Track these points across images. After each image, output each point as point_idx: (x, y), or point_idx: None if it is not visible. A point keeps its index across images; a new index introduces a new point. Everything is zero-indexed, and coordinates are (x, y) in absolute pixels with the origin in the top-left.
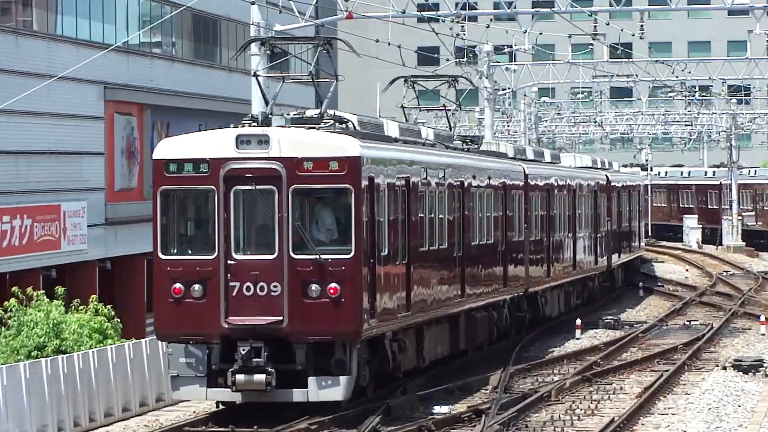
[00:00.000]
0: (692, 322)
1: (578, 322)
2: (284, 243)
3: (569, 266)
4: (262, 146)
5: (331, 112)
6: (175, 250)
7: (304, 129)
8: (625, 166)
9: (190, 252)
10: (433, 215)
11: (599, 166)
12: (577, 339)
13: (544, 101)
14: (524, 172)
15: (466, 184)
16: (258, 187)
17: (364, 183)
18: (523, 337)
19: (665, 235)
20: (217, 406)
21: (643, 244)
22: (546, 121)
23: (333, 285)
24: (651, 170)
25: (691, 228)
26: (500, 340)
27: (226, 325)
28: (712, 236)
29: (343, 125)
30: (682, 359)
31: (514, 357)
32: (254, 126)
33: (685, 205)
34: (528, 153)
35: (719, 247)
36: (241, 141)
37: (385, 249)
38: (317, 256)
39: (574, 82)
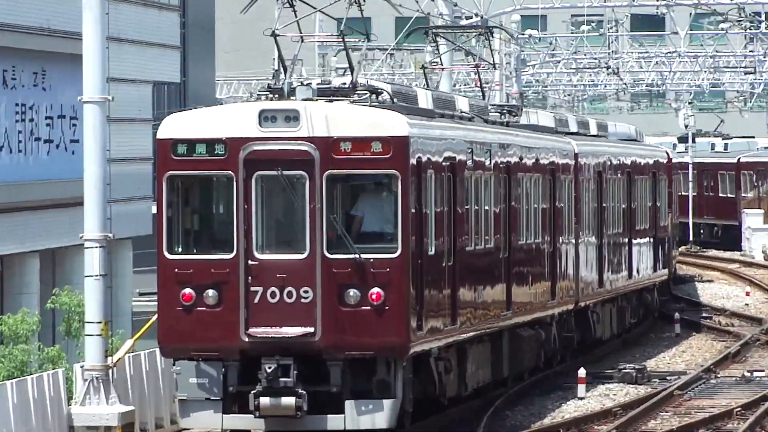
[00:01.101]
0: (756, 373)
1: (581, 372)
2: (317, 240)
3: (624, 274)
4: (291, 124)
5: (361, 80)
6: (185, 249)
7: (340, 103)
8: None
9: (202, 251)
10: (478, 206)
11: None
12: (580, 399)
13: (530, 36)
14: (574, 150)
15: (512, 167)
16: (285, 172)
17: (412, 168)
18: (503, 392)
19: (712, 240)
20: None
21: (675, 253)
22: (533, 66)
23: (376, 290)
24: (693, 141)
25: (756, 230)
26: (547, 367)
27: (247, 339)
28: None
29: (378, 96)
30: (740, 430)
31: (484, 427)
32: (278, 99)
33: (746, 195)
34: (571, 124)
35: None
36: (264, 117)
37: (431, 248)
38: (357, 256)
39: (576, 7)
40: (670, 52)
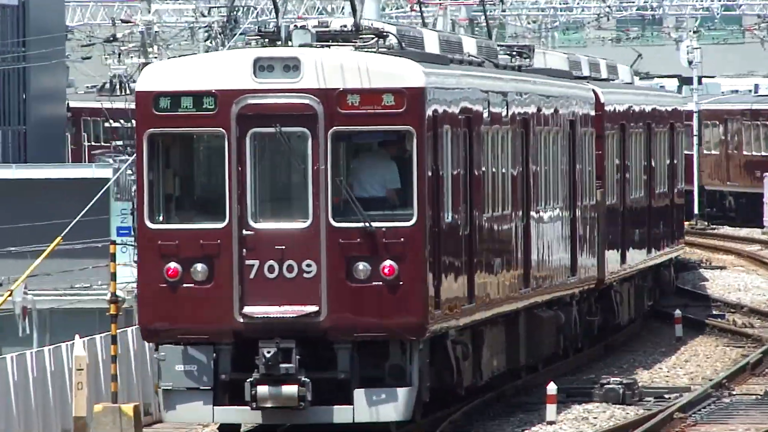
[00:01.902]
0: None
1: (551, 389)
2: (320, 206)
3: (644, 246)
4: (290, 74)
5: (365, 22)
6: (169, 218)
7: (345, 50)
8: (640, 76)
9: (190, 220)
10: (495, 168)
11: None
12: (549, 424)
13: None
14: (598, 98)
15: (530, 120)
16: (284, 129)
17: (428, 124)
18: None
19: (724, 213)
20: None
21: (670, 244)
22: None
23: (388, 263)
24: (699, 84)
25: None
26: (566, 355)
27: (242, 319)
28: None
29: (384, 41)
30: None
31: None
32: (272, 45)
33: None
34: (584, 66)
35: None
36: (260, 67)
37: (448, 215)
38: (366, 224)
39: None
40: None
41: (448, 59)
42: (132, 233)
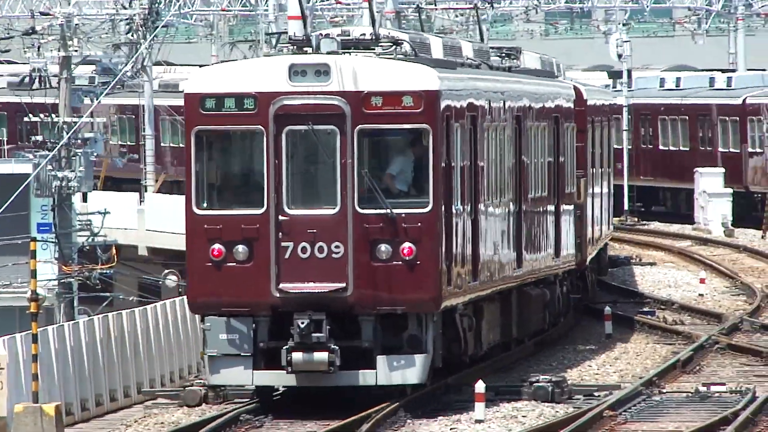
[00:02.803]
0: (713, 388)
1: (479, 387)
2: (348, 195)
3: (600, 229)
4: (321, 78)
5: (383, 31)
6: (214, 205)
7: (369, 57)
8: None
9: (232, 206)
10: (495, 159)
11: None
12: (478, 422)
13: None
14: (581, 96)
15: (522, 117)
16: (316, 127)
17: (442, 122)
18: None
19: (655, 208)
20: (254, 396)
21: (609, 227)
22: None
23: (407, 245)
24: (629, 77)
25: (712, 195)
26: (552, 328)
27: (278, 294)
28: (752, 212)
29: (400, 47)
30: None
31: None
32: (301, 52)
33: (702, 148)
34: (554, 65)
35: None
36: (295, 71)
37: (458, 202)
38: (388, 211)
39: None
40: None
41: (455, 63)
42: (53, 229)
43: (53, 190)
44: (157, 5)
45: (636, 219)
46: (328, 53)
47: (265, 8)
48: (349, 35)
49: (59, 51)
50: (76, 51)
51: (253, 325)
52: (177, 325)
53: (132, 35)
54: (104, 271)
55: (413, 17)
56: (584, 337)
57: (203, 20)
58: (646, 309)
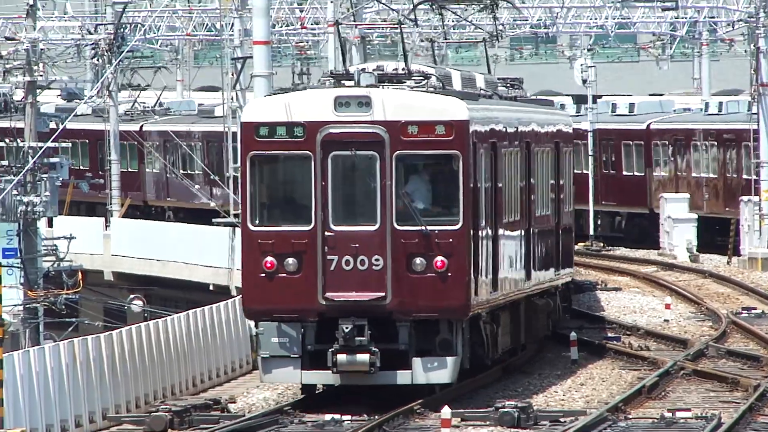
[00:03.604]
0: (679, 414)
1: (445, 413)
2: (387, 213)
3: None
4: (363, 109)
5: (415, 67)
6: (267, 221)
7: (405, 90)
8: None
9: (283, 223)
10: (510, 181)
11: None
12: None
13: None
14: (572, 124)
15: (531, 143)
16: (359, 152)
17: (470, 148)
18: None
19: (621, 235)
20: (302, 391)
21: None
22: None
23: (440, 258)
24: (594, 103)
25: (678, 221)
26: (553, 336)
27: (324, 302)
28: (719, 238)
29: (429, 80)
30: None
31: None
32: (342, 85)
33: (663, 174)
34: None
35: (733, 259)
36: (339, 103)
37: (482, 220)
38: (423, 228)
39: None
40: None
41: (477, 95)
42: (18, 254)
43: (18, 215)
44: (122, 31)
45: (602, 244)
46: (367, 86)
47: (231, 33)
48: (383, 70)
49: (24, 76)
50: (41, 76)
51: (302, 329)
52: (143, 350)
53: (97, 60)
54: (70, 297)
55: (379, 41)
56: (550, 362)
57: (168, 45)
58: (611, 334)
